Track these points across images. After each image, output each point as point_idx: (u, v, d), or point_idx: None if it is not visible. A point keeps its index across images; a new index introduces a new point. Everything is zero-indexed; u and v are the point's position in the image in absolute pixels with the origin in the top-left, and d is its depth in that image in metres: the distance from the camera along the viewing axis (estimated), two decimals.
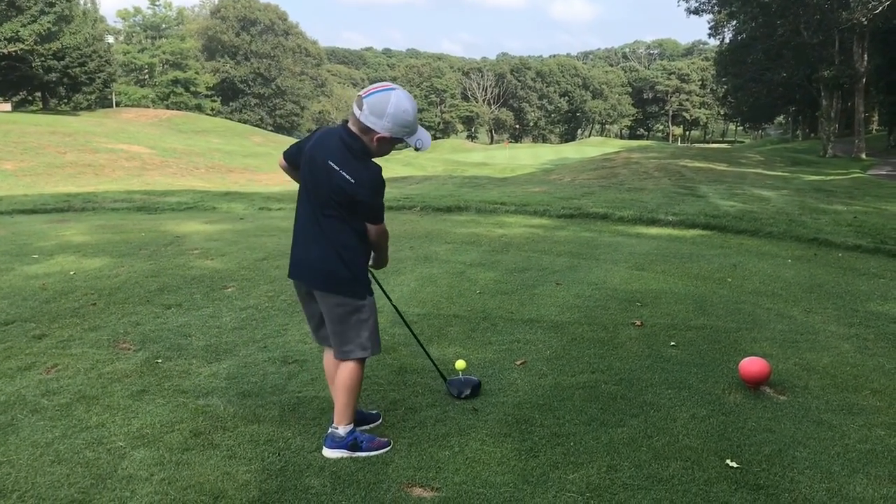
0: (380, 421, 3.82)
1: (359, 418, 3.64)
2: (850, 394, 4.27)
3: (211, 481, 3.16)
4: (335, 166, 3.27)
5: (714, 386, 4.34)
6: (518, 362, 4.71)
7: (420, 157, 63.44)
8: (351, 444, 3.43)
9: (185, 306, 5.89)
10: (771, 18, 41.68)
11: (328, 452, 3.42)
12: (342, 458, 3.38)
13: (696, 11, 46.83)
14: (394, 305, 4.25)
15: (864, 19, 32.38)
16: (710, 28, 52.59)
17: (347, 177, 3.24)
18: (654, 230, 10.46)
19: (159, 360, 4.65)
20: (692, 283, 7.04)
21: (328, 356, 3.66)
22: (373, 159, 3.35)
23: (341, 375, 3.45)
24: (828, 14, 36.63)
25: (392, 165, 45.95)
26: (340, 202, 3.29)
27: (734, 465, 3.36)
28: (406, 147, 3.47)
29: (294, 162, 3.55)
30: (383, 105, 3.23)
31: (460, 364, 4.31)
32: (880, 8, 31.58)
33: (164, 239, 9.00)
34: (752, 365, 4.27)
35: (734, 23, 50.81)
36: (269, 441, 3.54)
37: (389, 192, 15.63)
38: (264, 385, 4.26)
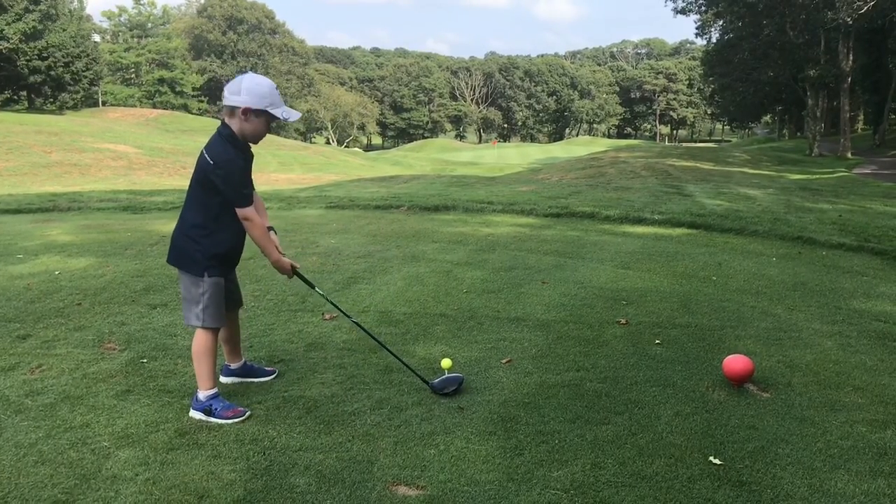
0: (272, 376, 4.37)
1: (245, 370, 4.33)
2: (833, 391, 4.31)
3: (196, 481, 3.16)
4: (203, 150, 3.75)
5: (698, 383, 4.36)
6: (504, 361, 4.72)
7: (408, 157, 63.47)
8: (206, 409, 3.80)
9: (171, 306, 5.87)
10: (757, 18, 41.94)
11: (192, 413, 3.83)
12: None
13: (683, 11, 47.03)
14: (355, 322, 4.46)
15: (849, 19, 32.59)
16: (696, 28, 52.73)
17: (208, 158, 3.70)
18: (640, 229, 10.50)
19: (144, 360, 4.63)
20: (677, 281, 7.08)
21: None
22: (250, 143, 3.85)
23: (193, 343, 3.90)
24: (813, 14, 36.89)
25: (381, 165, 45.93)
26: (199, 181, 3.77)
27: (717, 461, 3.39)
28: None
29: None
30: (238, 83, 3.73)
31: (446, 363, 4.32)
32: (865, 8, 31.80)
33: (150, 238, 8.97)
34: (735, 362, 4.30)
35: (721, 22, 51.00)
36: (255, 440, 3.54)
37: (377, 192, 15.67)
38: (249, 384, 4.26)
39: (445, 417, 3.83)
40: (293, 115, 3.87)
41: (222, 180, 3.69)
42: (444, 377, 4.22)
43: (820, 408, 4.04)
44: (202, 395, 3.82)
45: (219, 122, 3.85)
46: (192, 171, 3.83)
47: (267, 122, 3.81)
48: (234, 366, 4.32)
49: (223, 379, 4.30)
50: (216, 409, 3.79)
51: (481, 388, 4.24)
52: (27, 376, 4.32)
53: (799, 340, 5.27)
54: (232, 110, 3.73)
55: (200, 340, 3.88)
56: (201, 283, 3.82)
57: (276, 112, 3.76)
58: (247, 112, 3.71)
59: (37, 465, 3.27)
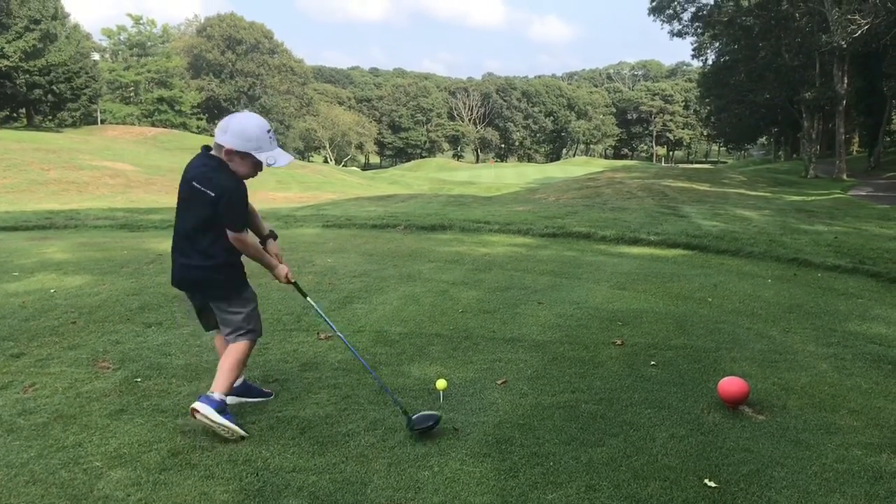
0: (269, 398, 4.32)
1: (244, 388, 4.25)
2: (828, 413, 4.30)
3: (188, 502, 3.14)
4: (197, 185, 3.75)
5: (693, 405, 4.36)
6: (499, 381, 4.71)
7: (406, 176, 63.62)
8: (220, 407, 3.73)
9: (166, 325, 5.86)
10: (753, 41, 42.35)
11: (198, 405, 3.69)
12: (318, 473, 3.38)
13: (680, 34, 47.46)
14: (342, 337, 4.46)
15: (843, 43, 32.85)
16: (693, 50, 53.17)
17: (208, 192, 3.72)
18: (636, 250, 10.52)
19: (138, 379, 4.61)
20: (673, 302, 7.08)
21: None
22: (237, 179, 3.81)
23: (233, 351, 3.95)
24: (808, 37, 37.25)
25: (378, 184, 46.04)
26: (207, 218, 3.79)
27: (712, 484, 3.37)
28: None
29: None
30: (227, 122, 3.76)
31: (441, 384, 4.31)
32: (859, 32, 32.05)
33: (146, 257, 8.96)
34: (731, 385, 4.30)
35: (717, 45, 51.54)
36: (248, 461, 3.52)
37: (374, 211, 15.68)
38: (244, 404, 4.24)
39: (440, 439, 3.81)
40: (281, 161, 3.82)
41: (227, 208, 3.72)
42: (422, 414, 3.93)
43: (815, 431, 4.04)
44: (218, 395, 3.77)
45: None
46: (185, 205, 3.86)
47: (254, 164, 3.80)
48: (236, 383, 4.26)
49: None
50: (228, 410, 3.79)
51: (476, 410, 4.23)
52: (20, 395, 4.30)
53: (794, 363, 5.27)
54: (217, 145, 3.77)
55: (243, 349, 3.96)
56: (245, 299, 3.97)
57: (261, 157, 3.74)
58: (230, 153, 3.74)
59: (28, 486, 3.24)
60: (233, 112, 4.12)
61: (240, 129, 3.71)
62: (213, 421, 3.65)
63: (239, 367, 3.95)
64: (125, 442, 3.69)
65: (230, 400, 4.05)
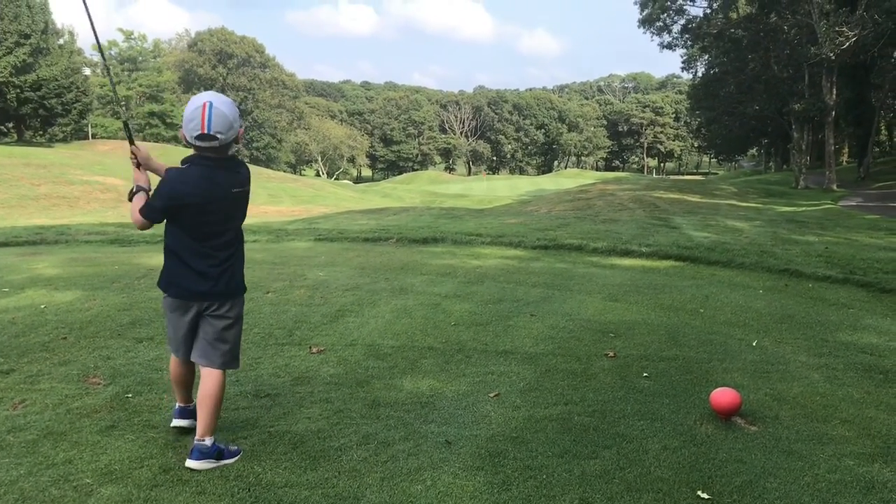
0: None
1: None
2: (820, 424, 4.31)
3: None
4: (232, 190, 3.68)
5: (686, 417, 4.36)
6: (492, 394, 4.70)
7: (398, 189, 63.68)
8: (218, 453, 3.63)
9: (157, 340, 5.83)
10: (742, 53, 42.68)
11: (195, 464, 3.57)
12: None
13: (669, 46, 47.72)
14: None
15: (831, 54, 33.13)
16: (683, 62, 53.57)
17: (244, 189, 3.74)
18: (627, 261, 10.54)
19: (129, 395, 4.59)
20: (665, 314, 7.10)
21: None
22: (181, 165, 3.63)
23: (213, 386, 3.72)
24: (797, 49, 37.57)
25: (371, 197, 46.03)
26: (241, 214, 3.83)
27: (705, 496, 3.37)
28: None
29: None
30: (218, 119, 3.50)
31: None
32: (847, 44, 32.34)
33: (137, 272, 8.93)
34: (723, 396, 4.31)
35: (706, 57, 51.83)
36: (239, 476, 3.50)
37: (366, 224, 15.68)
38: (236, 420, 4.22)
39: (433, 453, 3.80)
40: (186, 125, 3.52)
41: (246, 196, 3.79)
42: None
43: (807, 441, 4.04)
44: (210, 440, 3.62)
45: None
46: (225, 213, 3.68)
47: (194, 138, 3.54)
48: (192, 406, 4.01)
49: (184, 423, 3.98)
50: (224, 450, 3.68)
51: (469, 423, 4.22)
52: (9, 412, 4.27)
53: (786, 373, 5.28)
54: (226, 142, 3.60)
55: (222, 381, 3.77)
56: (241, 303, 3.88)
57: (186, 133, 3.53)
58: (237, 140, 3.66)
59: None
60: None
61: (231, 116, 3.54)
62: (218, 466, 3.60)
63: (221, 400, 3.76)
64: (116, 458, 3.67)
65: (185, 423, 3.94)
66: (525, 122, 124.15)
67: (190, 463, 3.57)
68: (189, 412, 3.97)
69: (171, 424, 3.96)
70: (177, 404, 4.02)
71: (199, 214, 3.59)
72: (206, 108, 3.46)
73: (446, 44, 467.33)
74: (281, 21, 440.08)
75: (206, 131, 3.46)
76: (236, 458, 3.69)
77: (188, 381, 3.98)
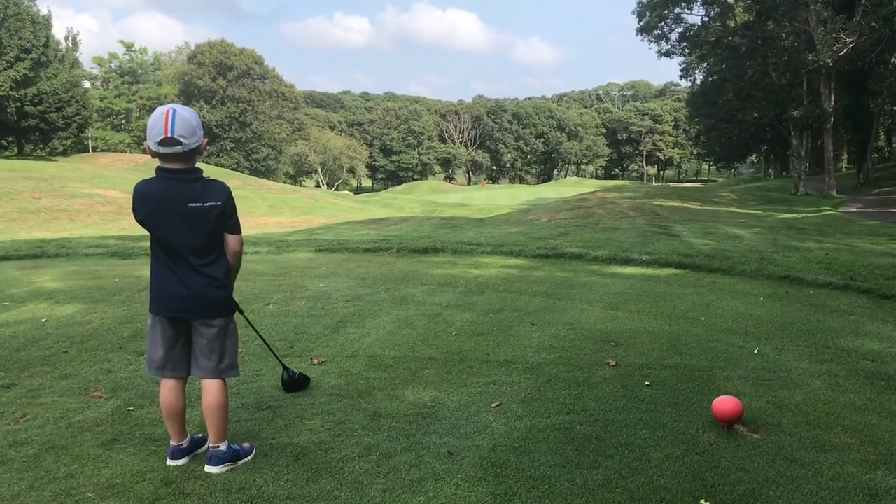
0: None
1: (194, 444, 3.93)
2: (823, 431, 4.30)
3: None
4: (191, 205, 3.65)
5: (688, 425, 4.35)
6: (493, 404, 4.70)
7: (398, 199, 63.75)
8: (236, 455, 3.76)
9: None
10: (740, 60, 42.81)
11: (215, 469, 3.68)
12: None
13: (668, 54, 47.83)
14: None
15: (829, 61, 33.25)
16: (681, 70, 53.63)
17: (213, 203, 3.67)
18: (628, 269, 10.54)
19: (131, 408, 4.59)
20: (666, 322, 7.09)
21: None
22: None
23: (218, 397, 3.77)
24: (795, 56, 37.69)
25: (371, 207, 46.06)
26: (211, 231, 3.72)
27: None
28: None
29: None
30: (182, 124, 3.52)
31: None
32: (844, 50, 32.46)
33: (138, 284, 8.94)
34: (725, 404, 4.30)
35: (705, 65, 52.00)
36: (241, 489, 3.50)
37: (367, 234, 15.69)
38: (237, 432, 4.21)
39: (434, 464, 3.79)
40: (149, 132, 3.54)
41: (232, 211, 3.71)
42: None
43: (810, 448, 4.03)
44: (224, 445, 3.73)
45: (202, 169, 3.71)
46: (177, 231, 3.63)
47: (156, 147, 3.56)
48: (185, 443, 3.87)
49: (179, 462, 3.81)
50: (240, 450, 3.81)
51: (471, 433, 4.22)
52: (11, 426, 4.27)
53: (788, 380, 5.27)
54: (190, 151, 3.61)
55: (224, 390, 3.80)
56: (232, 321, 3.84)
57: (149, 142, 3.56)
58: (200, 149, 3.65)
59: None
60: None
61: (195, 122, 3.55)
62: (236, 467, 3.74)
63: (227, 408, 3.82)
64: (118, 472, 3.67)
65: (181, 462, 3.78)
66: (524, 131, 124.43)
67: (209, 469, 3.67)
68: (183, 451, 3.82)
69: (167, 463, 3.78)
70: (171, 443, 3.82)
71: (158, 229, 3.69)
72: (170, 114, 3.49)
73: (441, 53, 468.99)
74: (275, 34, 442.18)
75: (169, 135, 3.47)
76: (252, 454, 3.83)
77: (180, 411, 3.81)
